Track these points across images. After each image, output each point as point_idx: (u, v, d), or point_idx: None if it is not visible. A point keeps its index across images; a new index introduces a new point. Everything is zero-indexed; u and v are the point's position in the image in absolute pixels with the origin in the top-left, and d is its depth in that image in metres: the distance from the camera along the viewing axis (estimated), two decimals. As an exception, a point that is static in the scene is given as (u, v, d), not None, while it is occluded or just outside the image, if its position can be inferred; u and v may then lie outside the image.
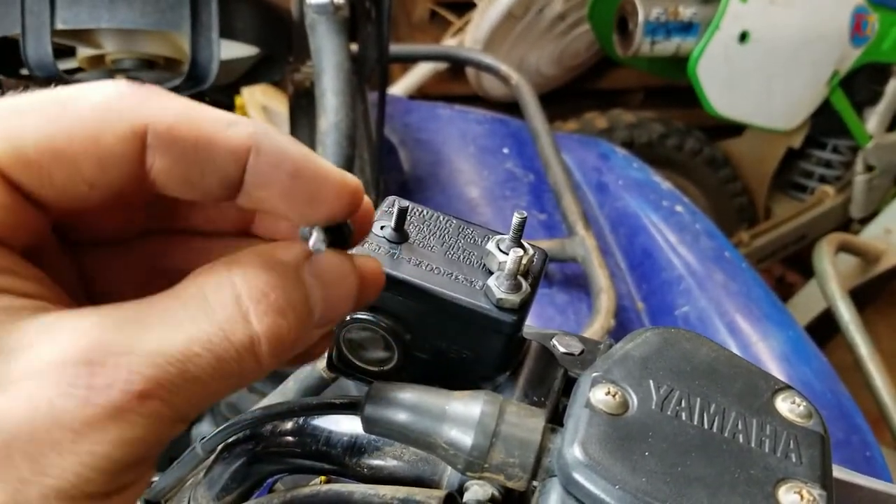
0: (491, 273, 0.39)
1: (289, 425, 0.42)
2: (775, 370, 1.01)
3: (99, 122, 0.26)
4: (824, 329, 2.01)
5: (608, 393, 0.34)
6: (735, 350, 1.06)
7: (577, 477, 0.31)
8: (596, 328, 0.99)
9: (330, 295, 0.29)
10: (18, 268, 0.27)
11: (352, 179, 0.31)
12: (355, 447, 0.39)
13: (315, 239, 0.30)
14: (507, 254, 0.38)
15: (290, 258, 0.29)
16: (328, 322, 0.30)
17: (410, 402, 0.34)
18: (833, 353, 1.92)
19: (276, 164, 0.28)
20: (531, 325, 0.46)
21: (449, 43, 2.66)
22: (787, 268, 2.83)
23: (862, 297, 2.20)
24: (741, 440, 0.33)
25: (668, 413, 0.34)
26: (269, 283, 0.27)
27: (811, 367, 1.02)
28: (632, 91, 3.05)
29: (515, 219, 0.38)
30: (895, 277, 2.34)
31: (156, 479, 0.57)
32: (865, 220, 2.43)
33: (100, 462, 0.24)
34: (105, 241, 0.33)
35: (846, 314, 1.59)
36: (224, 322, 0.26)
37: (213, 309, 0.26)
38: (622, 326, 1.07)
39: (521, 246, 0.39)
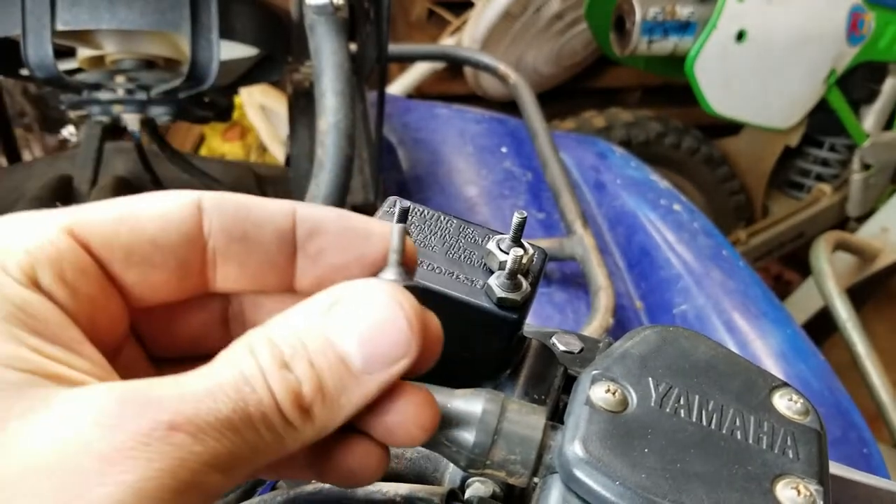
0: (491, 272, 0.39)
1: (292, 423, 0.42)
2: (773, 368, 1.02)
3: (161, 201, 0.30)
4: (822, 327, 2.02)
5: (608, 391, 0.34)
6: (733, 348, 1.06)
7: (578, 473, 0.32)
8: (595, 326, 1.00)
9: (367, 347, 0.28)
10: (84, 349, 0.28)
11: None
12: (358, 445, 0.39)
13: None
14: (508, 253, 0.38)
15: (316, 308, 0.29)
16: (375, 372, 0.28)
17: (413, 400, 0.34)
18: (831, 352, 1.93)
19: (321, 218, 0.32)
20: (530, 323, 0.47)
21: (447, 42, 2.66)
22: (785, 266, 2.84)
23: (859, 295, 2.21)
24: (739, 437, 0.34)
25: (667, 410, 0.34)
26: (291, 339, 0.28)
27: (808, 365, 1.03)
28: (629, 90, 3.06)
29: (516, 218, 0.39)
30: (892, 275, 2.35)
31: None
32: (862, 219, 2.44)
33: (128, 494, 0.23)
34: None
35: (843, 312, 1.60)
36: (237, 384, 0.26)
37: (239, 362, 0.27)
38: (621, 325, 1.08)
39: (522, 245, 0.40)
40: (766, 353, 1.04)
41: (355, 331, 0.28)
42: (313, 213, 0.32)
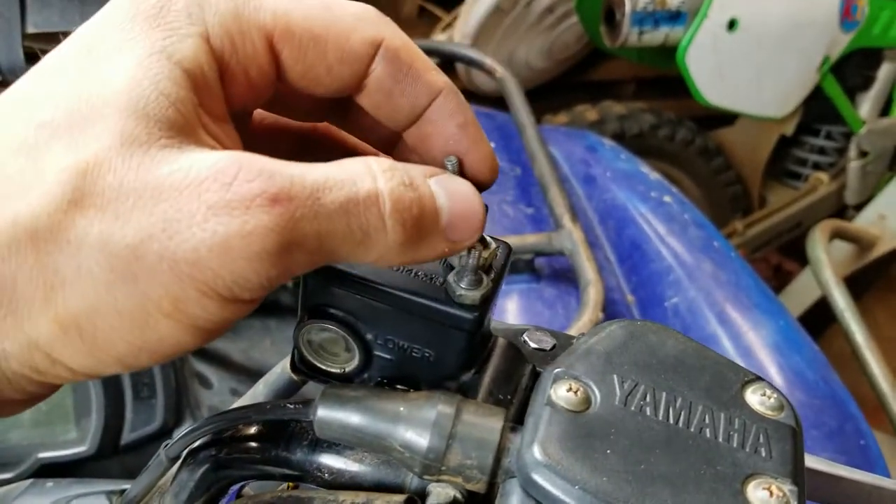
0: (452, 269, 0.37)
1: (251, 430, 0.41)
2: (766, 359, 1.00)
3: (353, 23, 0.33)
4: (821, 317, 2.00)
5: (570, 389, 0.33)
6: (725, 340, 1.05)
7: (536, 478, 0.30)
8: (584, 321, 0.98)
9: (455, 207, 0.32)
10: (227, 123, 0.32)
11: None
12: (315, 452, 0.38)
13: (449, 164, 0.35)
14: (468, 249, 0.36)
15: (419, 167, 0.33)
16: (456, 237, 0.33)
17: (363, 403, 0.33)
18: (832, 342, 1.91)
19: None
20: (503, 321, 0.45)
21: (438, 38, 2.64)
22: (784, 256, 2.82)
23: (860, 283, 2.19)
24: (708, 435, 0.32)
25: (632, 409, 0.32)
26: (399, 167, 0.31)
27: (802, 356, 1.01)
28: (623, 82, 3.04)
29: None
30: (891, 263, 2.33)
31: (126, 486, 0.56)
32: (860, 207, 2.42)
33: (217, 238, 0.27)
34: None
35: (841, 301, 1.58)
36: (355, 174, 0.30)
37: (347, 165, 0.30)
38: (611, 319, 1.06)
39: (483, 240, 0.38)
40: (759, 345, 1.02)
41: (450, 200, 0.32)
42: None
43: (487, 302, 0.37)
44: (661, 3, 1.92)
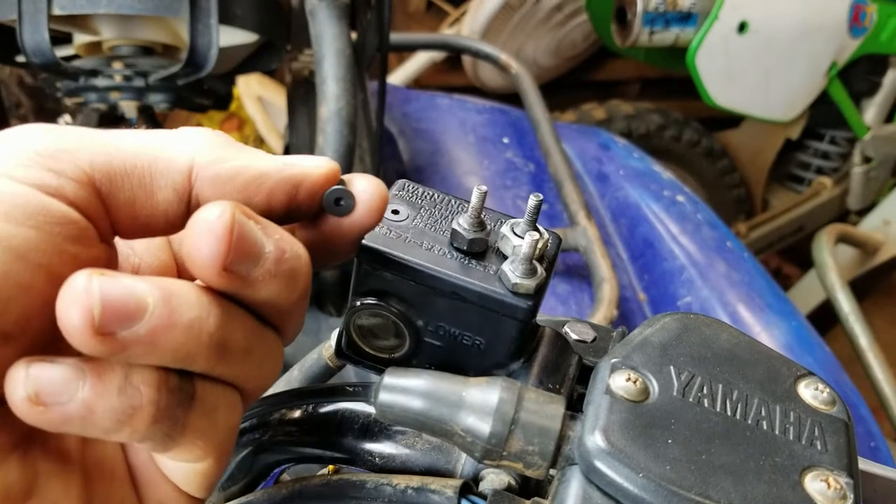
0: (505, 257, 0.38)
1: (297, 413, 0.41)
2: (778, 360, 1.00)
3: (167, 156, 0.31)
4: (822, 321, 2.01)
5: (628, 379, 0.33)
6: (737, 340, 1.05)
7: (599, 465, 0.30)
8: (598, 318, 0.98)
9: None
10: None
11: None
12: (366, 435, 0.38)
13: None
14: (523, 237, 0.37)
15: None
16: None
17: (426, 388, 0.33)
18: (831, 345, 1.91)
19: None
20: (541, 313, 0.46)
21: (446, 34, 2.64)
22: (784, 260, 2.83)
23: (859, 289, 2.20)
24: (765, 427, 0.32)
25: (690, 400, 0.33)
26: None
27: (814, 357, 1.01)
28: (629, 82, 3.05)
29: (531, 201, 0.37)
30: (893, 269, 2.34)
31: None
32: (863, 212, 2.43)
33: None
34: None
35: (846, 305, 1.58)
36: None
37: None
38: (624, 317, 1.07)
39: (537, 229, 0.38)
40: (771, 346, 1.02)
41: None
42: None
43: (541, 291, 0.37)
44: (672, 3, 1.92)
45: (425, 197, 0.40)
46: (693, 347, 0.35)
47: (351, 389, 0.36)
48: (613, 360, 0.34)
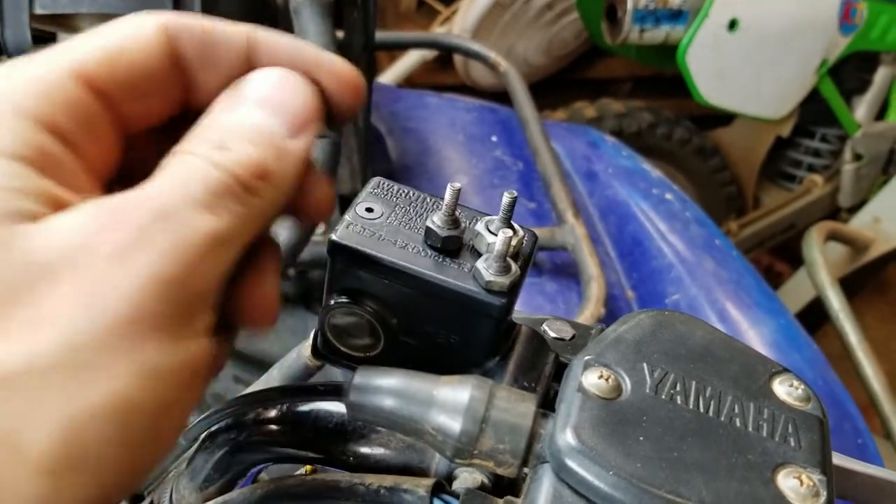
0: (480, 255, 0.37)
1: (272, 413, 0.41)
2: (766, 358, 1.00)
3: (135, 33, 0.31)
4: (812, 318, 2.01)
5: (601, 377, 0.33)
6: (726, 338, 1.05)
7: (570, 463, 0.30)
8: (586, 316, 0.98)
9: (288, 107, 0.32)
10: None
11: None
12: (340, 435, 0.38)
13: None
14: (496, 235, 0.37)
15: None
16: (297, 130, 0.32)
17: (397, 387, 0.33)
18: (821, 342, 1.92)
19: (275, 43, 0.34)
20: (519, 310, 0.45)
21: (437, 32, 2.64)
22: (775, 257, 2.83)
23: (849, 286, 2.20)
24: (738, 424, 0.32)
25: (663, 397, 0.33)
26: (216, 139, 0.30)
27: (802, 355, 1.01)
28: (620, 80, 3.05)
29: (505, 198, 0.37)
30: (883, 266, 2.35)
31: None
32: (853, 210, 2.44)
33: (144, 279, 0.26)
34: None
35: (836, 302, 1.59)
36: (192, 162, 0.29)
37: (183, 160, 0.29)
38: (612, 315, 1.06)
39: (511, 227, 0.38)
40: (759, 343, 1.02)
41: (261, 102, 0.31)
42: (268, 38, 0.34)
43: (515, 289, 0.37)
44: (662, 1, 1.92)
45: (400, 195, 0.40)
46: (667, 344, 0.35)
47: (323, 389, 0.36)
48: (586, 358, 0.34)
